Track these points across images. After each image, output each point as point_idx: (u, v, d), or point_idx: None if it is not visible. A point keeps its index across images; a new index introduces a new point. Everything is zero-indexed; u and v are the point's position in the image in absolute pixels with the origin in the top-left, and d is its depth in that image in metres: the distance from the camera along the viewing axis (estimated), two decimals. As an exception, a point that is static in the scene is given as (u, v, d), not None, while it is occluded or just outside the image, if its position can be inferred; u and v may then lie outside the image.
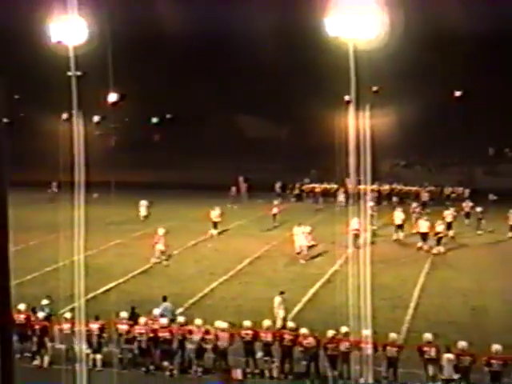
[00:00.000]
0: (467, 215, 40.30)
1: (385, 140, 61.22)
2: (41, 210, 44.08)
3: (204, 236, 35.88)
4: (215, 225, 36.52)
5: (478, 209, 39.25)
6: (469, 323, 21.83)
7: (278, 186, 54.23)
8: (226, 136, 71.29)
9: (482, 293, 25.49)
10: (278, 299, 21.26)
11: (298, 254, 30.73)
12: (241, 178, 55.22)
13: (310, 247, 31.39)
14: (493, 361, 16.26)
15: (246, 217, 42.95)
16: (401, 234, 35.34)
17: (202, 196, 50.94)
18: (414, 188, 51.46)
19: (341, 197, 50.79)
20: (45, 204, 46.11)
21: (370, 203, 39.03)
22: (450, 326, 21.13)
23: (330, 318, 20.41)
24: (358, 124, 59.91)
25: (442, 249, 32.26)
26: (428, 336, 17.29)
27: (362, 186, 55.34)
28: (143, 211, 42.42)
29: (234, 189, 51.81)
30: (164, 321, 18.57)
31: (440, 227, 32.72)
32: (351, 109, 53.40)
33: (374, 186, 52.64)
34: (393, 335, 17.49)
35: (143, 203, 42.79)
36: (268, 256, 31.79)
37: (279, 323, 20.51)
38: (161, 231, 30.42)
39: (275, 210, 39.69)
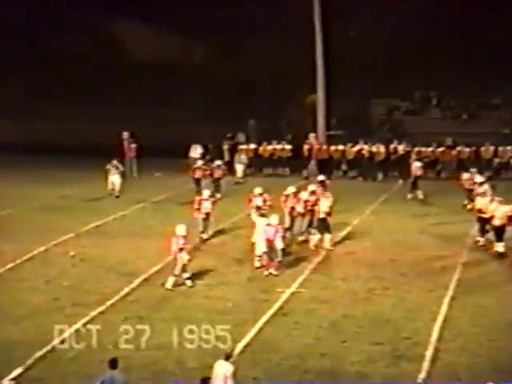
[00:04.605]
0: None
1: (373, 64, 60.25)
2: None
3: (64, 236, 35.66)
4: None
5: None
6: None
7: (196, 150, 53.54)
8: (97, 57, 69.11)
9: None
10: (222, 367, 19.76)
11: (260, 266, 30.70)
12: (125, 134, 54.60)
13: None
14: None
15: (134, 202, 43.20)
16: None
17: (62, 165, 52.19)
18: (429, 149, 52.43)
19: (239, 169, 52.19)
20: None
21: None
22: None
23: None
24: (328, 38, 58.97)
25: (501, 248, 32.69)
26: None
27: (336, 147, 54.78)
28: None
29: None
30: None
31: None
32: (315, 11, 53.10)
33: (359, 147, 52.18)
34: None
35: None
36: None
37: None
38: (181, 229, 29.08)
39: (208, 206, 35.52)
